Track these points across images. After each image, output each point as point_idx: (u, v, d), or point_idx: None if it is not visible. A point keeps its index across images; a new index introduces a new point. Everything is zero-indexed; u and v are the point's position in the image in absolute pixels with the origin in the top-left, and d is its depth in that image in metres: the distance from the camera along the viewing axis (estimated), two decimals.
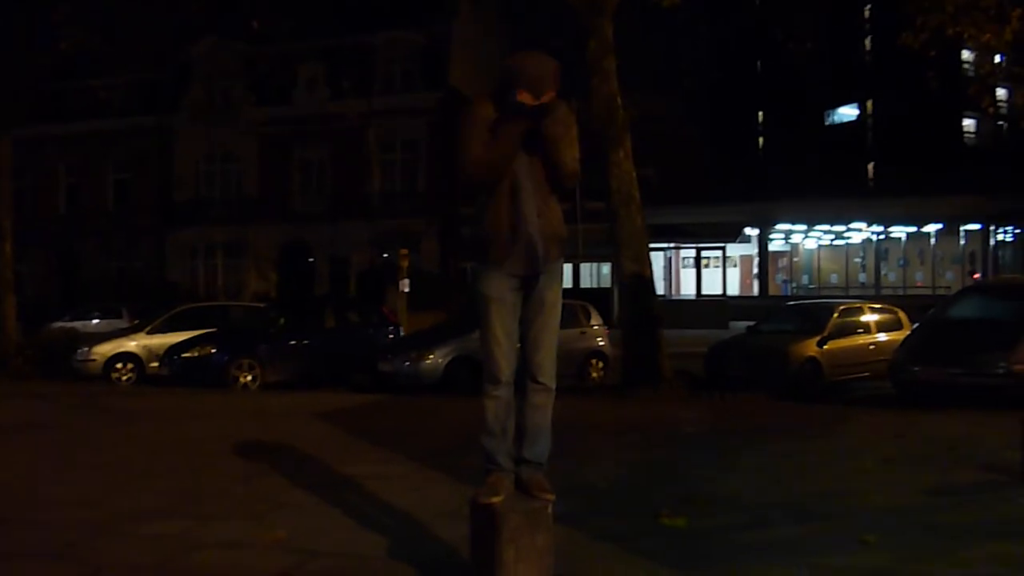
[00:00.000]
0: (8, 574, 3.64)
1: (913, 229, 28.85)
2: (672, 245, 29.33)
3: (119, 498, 4.91)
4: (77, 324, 20.12)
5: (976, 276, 27.08)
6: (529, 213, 3.22)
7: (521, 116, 3.16)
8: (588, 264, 28.82)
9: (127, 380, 13.85)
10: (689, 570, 3.56)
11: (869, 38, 30.00)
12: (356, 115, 30.02)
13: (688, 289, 30.12)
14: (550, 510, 3.18)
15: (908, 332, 11.99)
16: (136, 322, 16.97)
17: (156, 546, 3.95)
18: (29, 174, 30.80)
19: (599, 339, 13.65)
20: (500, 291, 3.28)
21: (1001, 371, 9.10)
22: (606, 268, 28.03)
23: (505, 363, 3.29)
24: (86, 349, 14.28)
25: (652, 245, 11.78)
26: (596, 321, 13.84)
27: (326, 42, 30.35)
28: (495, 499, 3.14)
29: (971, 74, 25.35)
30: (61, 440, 7.21)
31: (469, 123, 3.25)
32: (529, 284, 3.29)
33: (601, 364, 13.46)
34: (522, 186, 3.23)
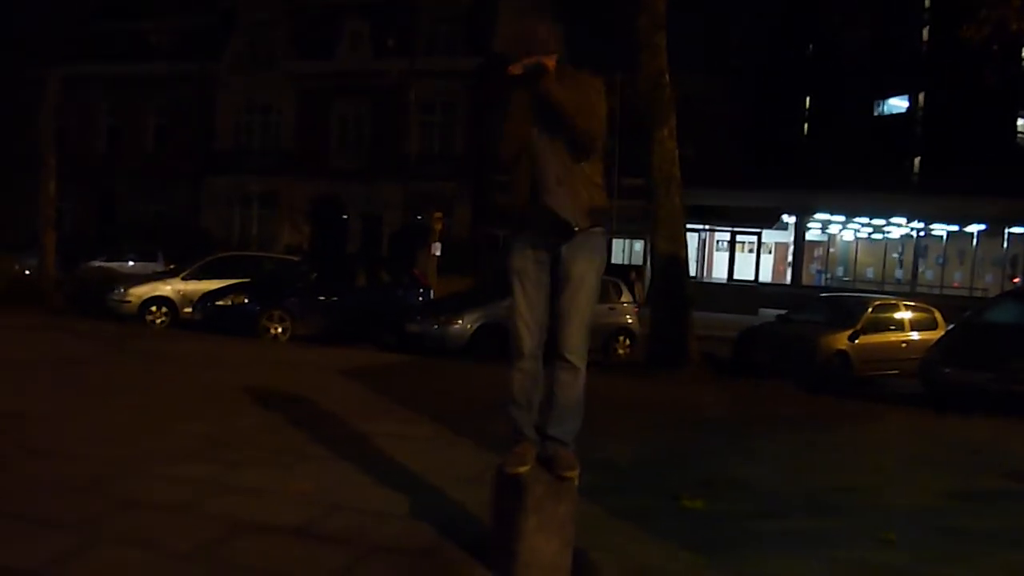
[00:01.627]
0: (38, 503, 3.75)
1: (955, 228, 28.26)
2: (707, 227, 29.05)
3: (148, 438, 5.02)
4: (113, 264, 20.46)
5: (1016, 280, 26.53)
6: (548, 181, 3.18)
7: (517, 84, 3.15)
8: (620, 240, 28.67)
9: (161, 323, 14.09)
10: (705, 554, 3.57)
11: (927, 28, 29.21)
12: (397, 73, 29.93)
13: (720, 272, 29.86)
14: (575, 481, 3.19)
15: (943, 332, 11.83)
16: (172, 267, 17.21)
17: (182, 488, 4.04)
18: (72, 113, 31.15)
19: (628, 316, 13.62)
20: (523, 263, 3.25)
21: None
22: (638, 245, 27.89)
23: (528, 336, 3.25)
24: (122, 290, 14.52)
25: (687, 226, 11.69)
26: (626, 298, 13.81)
27: None
28: (522, 468, 3.15)
29: None
30: (95, 377, 7.36)
31: (511, 104, 3.24)
32: (557, 256, 3.23)
33: (628, 341, 13.45)
34: (539, 154, 3.19)
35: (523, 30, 3.18)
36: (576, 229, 3.19)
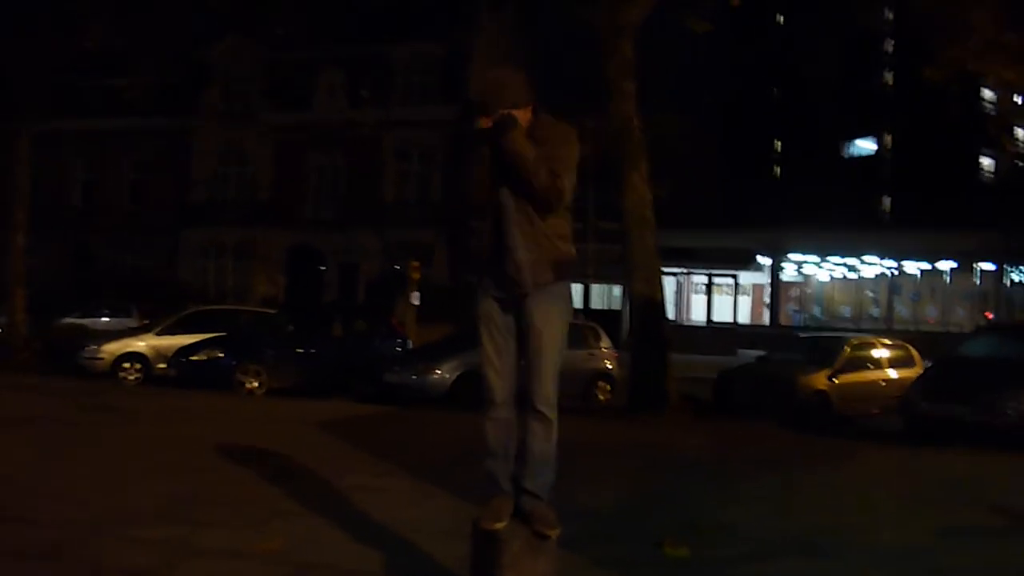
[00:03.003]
0: (3, 572, 3.59)
1: (927, 265, 28.69)
2: (684, 270, 29.26)
3: (118, 499, 4.86)
4: (86, 321, 20.16)
5: (989, 315, 26.87)
6: (510, 235, 3.12)
7: (484, 137, 3.09)
8: (599, 285, 28.75)
9: (134, 380, 13.84)
10: None
11: (891, 72, 29.96)
12: (373, 123, 30.13)
13: (699, 315, 29.99)
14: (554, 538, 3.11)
15: (919, 369, 11.90)
16: (146, 322, 16.98)
17: (153, 550, 3.90)
18: (46, 168, 31.00)
19: (607, 361, 13.57)
20: (489, 308, 3.20)
21: (1011, 412, 9.01)
22: (617, 289, 27.96)
23: (499, 384, 3.18)
24: (94, 347, 14.29)
25: (664, 269, 11.73)
26: (605, 343, 13.77)
27: (345, 50, 30.54)
28: (498, 524, 3.06)
29: (991, 112, 25.33)
30: (62, 436, 7.17)
31: (476, 157, 3.20)
32: (520, 306, 3.18)
33: (608, 386, 13.38)
34: (504, 207, 3.13)
35: (494, 81, 3.15)
36: (540, 282, 3.14)
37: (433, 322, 19.51)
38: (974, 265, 28.09)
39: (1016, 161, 27.73)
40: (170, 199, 32.63)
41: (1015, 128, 25.62)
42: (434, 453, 6.97)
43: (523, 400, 3.20)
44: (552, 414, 3.17)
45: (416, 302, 20.62)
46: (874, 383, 12.18)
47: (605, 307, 28.29)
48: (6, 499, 4.76)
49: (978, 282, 28.45)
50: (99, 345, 14.33)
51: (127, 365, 14.01)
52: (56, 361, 14.31)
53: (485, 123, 3.07)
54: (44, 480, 5.33)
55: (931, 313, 29.29)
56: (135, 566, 3.70)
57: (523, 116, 3.11)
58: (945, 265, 28.46)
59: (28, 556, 3.79)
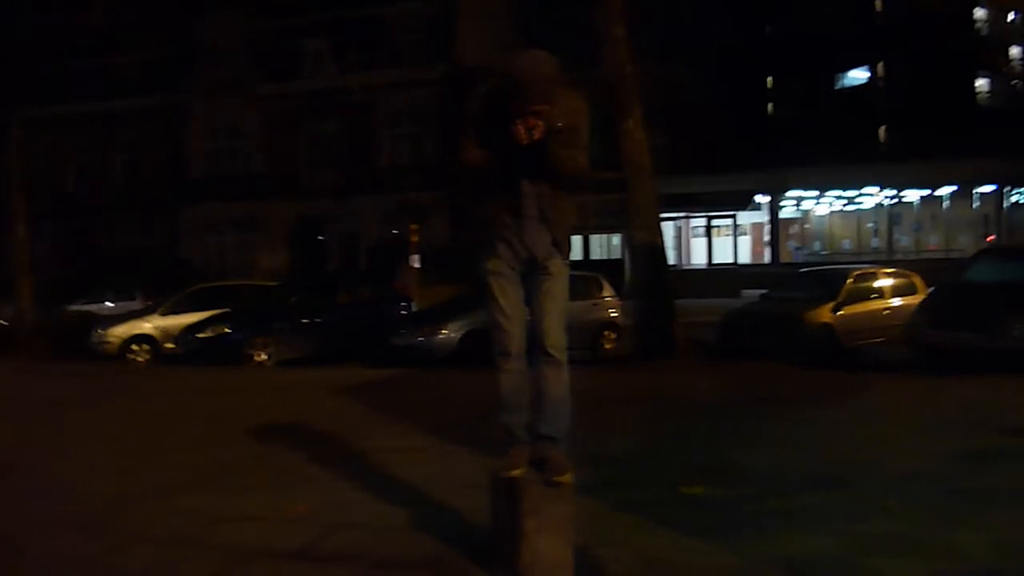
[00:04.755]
0: (39, 544, 3.69)
1: (926, 193, 28.55)
2: (682, 214, 29.17)
3: (145, 472, 4.97)
4: (92, 307, 20.23)
5: (991, 239, 26.83)
6: (529, 218, 3.20)
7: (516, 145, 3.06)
8: (598, 235, 28.71)
9: (143, 361, 13.95)
10: (710, 538, 3.57)
11: None
12: (362, 88, 29.85)
13: (699, 258, 29.97)
14: (570, 481, 3.18)
15: (923, 296, 11.92)
16: (150, 303, 17.04)
17: (183, 519, 4.00)
18: (40, 155, 30.86)
19: (612, 310, 13.62)
20: (496, 265, 3.26)
21: (1017, 334, 9.06)
22: (616, 239, 27.92)
23: (513, 334, 3.26)
24: (102, 331, 14.37)
25: (662, 215, 11.71)
26: (608, 292, 13.81)
27: (331, 15, 30.15)
28: (516, 472, 3.14)
29: (985, 33, 24.96)
30: (84, 416, 7.28)
31: (467, 118, 3.19)
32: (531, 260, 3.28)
33: (614, 335, 13.44)
34: (523, 191, 3.19)
35: (539, 75, 2.98)
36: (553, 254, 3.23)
37: (435, 284, 19.56)
38: (974, 191, 27.97)
39: (1013, 82, 27.43)
40: (166, 178, 32.51)
41: (1010, 47, 25.34)
42: (447, 411, 7.06)
43: (533, 351, 3.27)
44: (563, 357, 3.27)
45: (417, 265, 20.65)
46: (878, 312, 12.22)
47: (605, 257, 28.27)
48: (42, 476, 4.88)
49: (977, 206, 28.37)
50: (106, 329, 14.41)
51: (136, 347, 14.10)
52: (66, 348, 14.40)
53: (523, 136, 3.00)
54: (77, 458, 5.45)
55: (932, 240, 29.27)
56: (172, 533, 3.81)
57: (558, 126, 3.09)
58: (944, 192, 28.36)
59: (67, 526, 3.90)
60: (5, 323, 16.33)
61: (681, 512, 3.96)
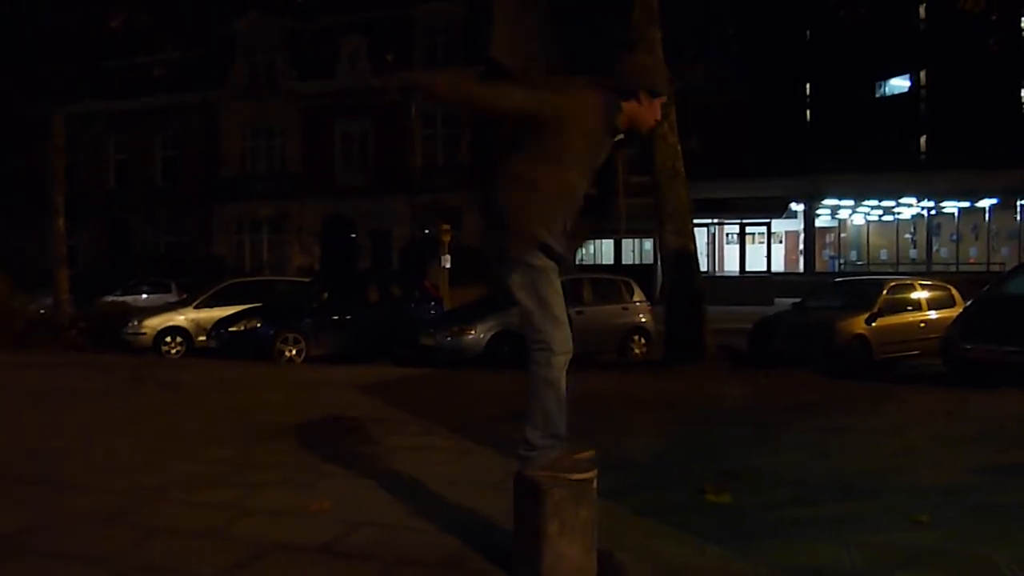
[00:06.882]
0: (62, 537, 3.75)
1: (967, 204, 28.05)
2: (716, 221, 28.96)
3: (170, 465, 5.02)
4: (127, 299, 20.59)
5: None
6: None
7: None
8: (630, 239, 28.61)
9: (176, 353, 14.16)
10: (733, 546, 3.52)
11: (923, 5, 29.05)
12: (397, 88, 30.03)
13: (732, 265, 29.74)
14: (594, 484, 3.16)
15: (961, 309, 11.71)
16: (184, 296, 17.30)
17: (206, 513, 4.03)
18: (80, 150, 31.55)
19: (641, 315, 13.56)
20: (546, 263, 3.18)
21: None
22: (648, 243, 27.80)
23: (568, 328, 3.22)
24: (136, 323, 14.61)
25: (695, 221, 11.64)
26: (639, 297, 13.75)
27: (367, 15, 30.40)
28: (591, 472, 3.12)
29: None
30: (114, 408, 7.39)
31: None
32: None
33: (643, 340, 13.39)
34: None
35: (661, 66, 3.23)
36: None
37: (465, 284, 19.61)
38: (1017, 202, 27.39)
39: None
40: (202, 175, 33.02)
41: None
42: (474, 411, 7.06)
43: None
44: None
45: (448, 265, 20.72)
46: (914, 324, 12.03)
47: (636, 262, 28.17)
48: (73, 468, 4.94)
49: (1020, 219, 27.78)
50: (140, 321, 14.65)
51: (169, 339, 14.33)
52: (101, 339, 14.66)
53: (623, 124, 3.26)
54: (99, 449, 5.52)
55: (972, 252, 28.72)
56: (195, 527, 3.84)
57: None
58: (985, 203, 27.81)
59: (92, 520, 3.95)
60: (43, 312, 16.69)
61: (705, 518, 3.92)
